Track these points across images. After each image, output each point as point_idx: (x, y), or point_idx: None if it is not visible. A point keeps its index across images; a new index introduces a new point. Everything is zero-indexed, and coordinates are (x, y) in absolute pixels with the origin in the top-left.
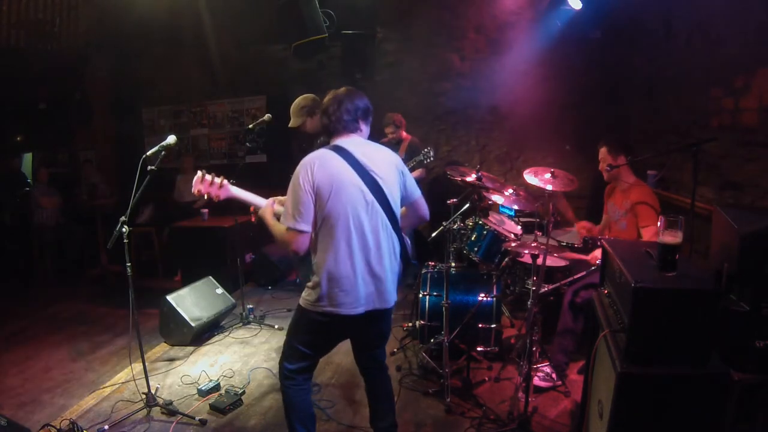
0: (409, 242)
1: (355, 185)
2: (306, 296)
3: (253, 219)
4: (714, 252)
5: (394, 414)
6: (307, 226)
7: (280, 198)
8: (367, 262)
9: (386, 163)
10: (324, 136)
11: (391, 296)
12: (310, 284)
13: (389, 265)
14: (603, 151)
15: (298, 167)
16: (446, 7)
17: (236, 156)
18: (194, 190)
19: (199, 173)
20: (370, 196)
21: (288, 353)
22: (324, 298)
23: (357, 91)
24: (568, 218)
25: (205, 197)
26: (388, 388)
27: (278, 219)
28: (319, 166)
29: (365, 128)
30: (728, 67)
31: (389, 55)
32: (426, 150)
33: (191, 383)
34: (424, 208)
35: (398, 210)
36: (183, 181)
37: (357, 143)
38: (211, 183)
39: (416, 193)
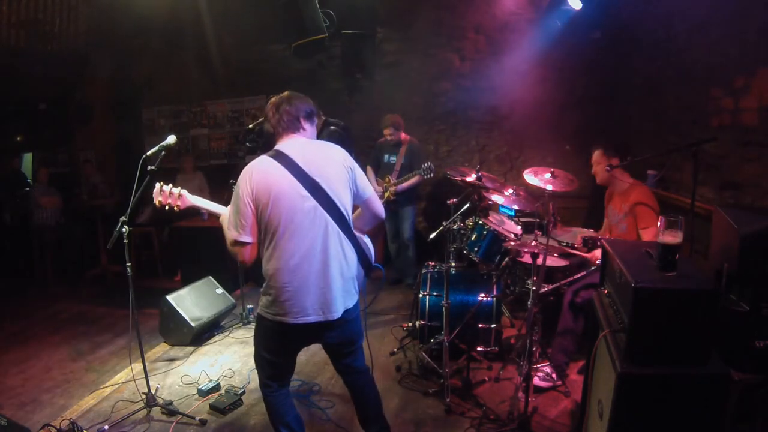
0: (369, 244)
1: (295, 191)
2: (260, 303)
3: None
4: (714, 252)
5: (383, 417)
6: (249, 237)
7: None
8: (311, 270)
9: (330, 163)
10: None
11: (342, 305)
12: (262, 290)
13: (340, 272)
14: (598, 154)
15: (239, 177)
16: (446, 7)
17: (236, 156)
18: (155, 201)
19: (157, 185)
20: (312, 201)
21: (257, 361)
22: (272, 305)
23: (300, 96)
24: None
25: (166, 208)
26: (372, 392)
27: None
28: (257, 174)
29: (309, 128)
30: (728, 67)
31: (389, 55)
32: (426, 165)
33: (191, 383)
34: (379, 206)
35: (348, 211)
36: (183, 180)
37: (298, 145)
38: (170, 193)
39: (368, 190)
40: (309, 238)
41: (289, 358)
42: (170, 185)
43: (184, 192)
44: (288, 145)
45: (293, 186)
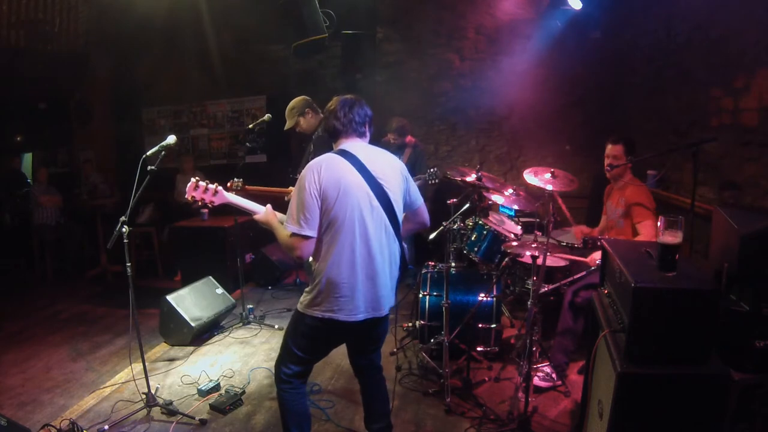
0: (406, 248)
1: (362, 189)
2: (304, 300)
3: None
4: (714, 252)
5: (388, 415)
6: (312, 232)
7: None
8: (369, 268)
9: (391, 169)
10: (330, 139)
11: (388, 303)
12: (308, 288)
13: (389, 272)
14: (618, 148)
15: (304, 171)
16: (446, 7)
17: (236, 156)
18: (188, 196)
19: (193, 180)
20: (375, 201)
21: (285, 357)
22: (323, 303)
23: (362, 99)
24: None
25: (200, 203)
26: (383, 389)
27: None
28: (326, 169)
29: (369, 135)
30: (728, 67)
31: (389, 55)
32: (432, 170)
33: (191, 383)
34: (426, 215)
35: (401, 216)
36: (183, 180)
37: (362, 147)
38: (205, 190)
39: (419, 199)
40: (370, 237)
41: (322, 356)
42: (207, 181)
43: (221, 189)
44: (353, 146)
45: (361, 184)
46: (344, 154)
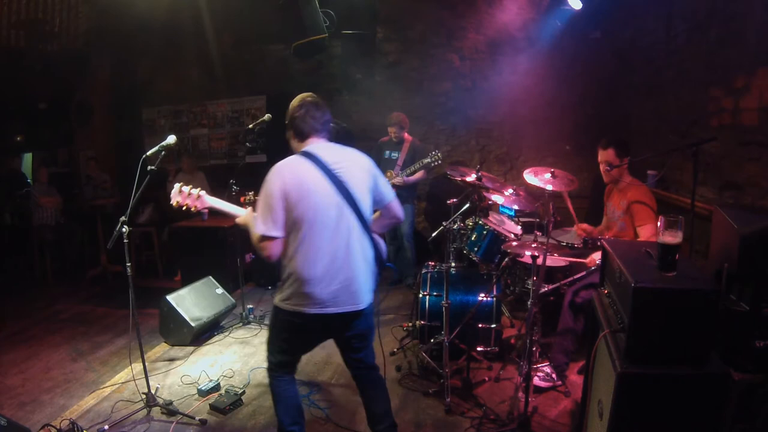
0: (383, 245)
1: (324, 189)
2: (278, 295)
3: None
4: (714, 252)
5: (391, 415)
6: (278, 232)
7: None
8: (336, 264)
9: (356, 167)
10: (295, 139)
11: (363, 297)
12: (280, 284)
13: (360, 267)
14: (609, 153)
15: (269, 174)
16: (446, 7)
17: (236, 156)
18: (173, 201)
19: (177, 186)
20: (340, 200)
21: (270, 346)
22: (292, 297)
23: (322, 102)
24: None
25: (184, 208)
26: (381, 389)
27: None
28: (289, 172)
29: (328, 136)
30: (728, 67)
31: (389, 55)
32: (434, 152)
33: (191, 383)
34: (398, 210)
35: (368, 213)
36: (183, 181)
37: (326, 147)
38: (188, 195)
39: (390, 195)
40: (335, 235)
41: (304, 350)
42: (189, 186)
43: (203, 193)
44: (317, 147)
45: (323, 185)
46: (307, 155)
